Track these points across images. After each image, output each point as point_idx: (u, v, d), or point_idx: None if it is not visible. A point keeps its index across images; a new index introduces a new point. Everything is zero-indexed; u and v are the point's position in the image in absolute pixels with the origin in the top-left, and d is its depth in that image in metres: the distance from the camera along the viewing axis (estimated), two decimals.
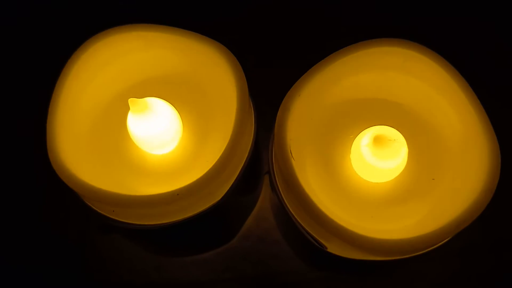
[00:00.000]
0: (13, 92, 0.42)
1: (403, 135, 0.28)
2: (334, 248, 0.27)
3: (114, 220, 0.29)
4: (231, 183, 0.29)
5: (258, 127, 0.31)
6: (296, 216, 0.28)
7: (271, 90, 0.38)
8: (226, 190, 0.29)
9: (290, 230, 0.36)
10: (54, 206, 0.39)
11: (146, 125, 0.29)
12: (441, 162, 0.29)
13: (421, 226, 0.27)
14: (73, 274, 0.37)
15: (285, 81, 0.35)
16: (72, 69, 0.29)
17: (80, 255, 0.38)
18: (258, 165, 0.36)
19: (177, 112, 0.30)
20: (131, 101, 0.28)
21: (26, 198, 0.39)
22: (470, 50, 0.42)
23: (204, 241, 0.37)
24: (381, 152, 0.26)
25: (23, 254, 0.38)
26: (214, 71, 0.30)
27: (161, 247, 0.38)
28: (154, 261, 0.37)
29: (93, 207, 0.29)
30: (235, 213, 0.37)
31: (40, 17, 0.44)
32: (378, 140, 0.26)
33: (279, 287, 0.37)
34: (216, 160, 0.28)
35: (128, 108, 0.28)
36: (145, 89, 0.32)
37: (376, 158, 0.27)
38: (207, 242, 0.37)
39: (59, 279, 0.37)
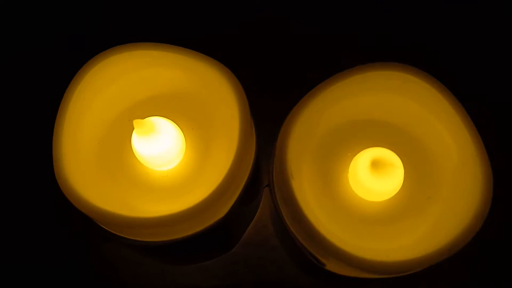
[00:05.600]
0: (19, 109, 0.42)
1: (399, 155, 0.29)
2: (332, 266, 0.29)
3: (122, 237, 0.30)
4: (235, 200, 0.30)
5: (259, 145, 0.32)
6: (295, 234, 0.29)
7: (269, 103, 0.39)
8: (230, 206, 0.30)
9: (286, 240, 0.37)
10: (58, 212, 0.40)
11: (151, 145, 0.29)
12: (436, 182, 0.30)
13: (417, 246, 0.28)
14: (77, 279, 0.39)
15: (282, 94, 0.36)
16: (77, 87, 0.30)
17: (84, 260, 0.39)
18: (258, 175, 0.37)
19: (180, 130, 0.31)
20: (136, 122, 0.28)
21: (31, 203, 0.40)
22: (467, 73, 0.43)
23: (206, 249, 0.38)
24: (378, 175, 0.28)
25: (26, 258, 0.39)
26: (216, 90, 0.31)
27: (164, 256, 0.39)
28: (157, 268, 0.38)
29: (101, 225, 0.30)
30: (236, 222, 0.38)
31: (45, 35, 0.45)
32: (375, 164, 0.27)
33: None
34: (218, 175, 0.29)
35: (132, 126, 0.29)
36: (149, 106, 0.33)
37: (373, 181, 0.28)
38: (209, 251, 0.38)
39: (63, 284, 0.38)
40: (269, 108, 0.39)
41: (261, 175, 0.37)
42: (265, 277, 0.38)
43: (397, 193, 0.30)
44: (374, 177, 0.28)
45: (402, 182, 0.29)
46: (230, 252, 0.39)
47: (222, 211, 0.30)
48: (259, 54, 0.44)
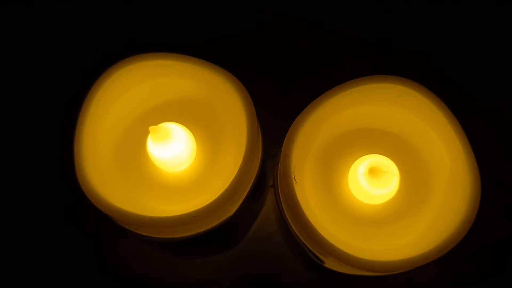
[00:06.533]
0: (41, 115, 0.44)
1: (396, 162, 0.31)
2: (331, 264, 0.31)
3: (136, 234, 0.32)
4: (242, 200, 0.33)
5: (265, 148, 0.34)
6: (297, 233, 0.32)
7: (275, 107, 0.41)
8: (238, 206, 0.33)
9: (291, 236, 0.39)
10: (71, 206, 0.42)
11: (164, 149, 0.32)
12: (429, 188, 0.32)
13: (410, 247, 0.30)
14: (88, 272, 0.40)
15: (287, 95, 0.38)
16: (95, 94, 0.32)
17: (95, 254, 0.41)
18: (264, 175, 0.39)
19: (191, 134, 0.33)
20: (152, 128, 0.31)
21: (45, 199, 0.42)
22: (462, 84, 0.44)
23: (213, 245, 0.41)
24: (374, 181, 0.30)
25: (38, 252, 0.41)
26: (225, 97, 0.33)
27: (173, 250, 0.41)
28: (166, 261, 0.40)
29: (116, 222, 0.32)
30: (242, 219, 0.41)
31: (65, 47, 0.46)
32: (372, 171, 0.30)
33: (281, 286, 0.41)
34: (227, 176, 0.32)
35: (147, 130, 0.31)
36: (162, 112, 0.35)
37: (370, 186, 0.30)
38: (216, 246, 0.41)
39: (74, 276, 0.40)
40: (275, 109, 0.41)
41: (266, 175, 0.40)
42: (269, 271, 0.41)
43: (393, 197, 0.32)
44: (371, 182, 0.30)
45: (397, 187, 0.31)
46: (236, 247, 0.41)
47: (231, 209, 0.32)
48: (262, 57, 0.46)
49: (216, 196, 0.30)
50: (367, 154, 0.31)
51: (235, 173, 0.30)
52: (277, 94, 0.43)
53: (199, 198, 0.33)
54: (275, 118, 0.37)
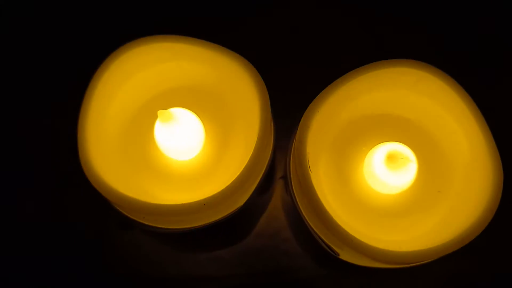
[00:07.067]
0: (46, 98, 0.43)
1: (412, 149, 0.30)
2: (346, 256, 0.30)
3: (142, 224, 0.31)
4: (253, 190, 0.31)
5: (276, 137, 0.33)
6: (311, 224, 0.30)
7: (284, 94, 0.40)
8: (248, 196, 0.31)
9: (301, 230, 0.38)
10: (73, 201, 0.40)
11: (173, 134, 0.30)
12: (447, 177, 0.31)
13: (427, 238, 0.29)
14: (91, 268, 0.39)
15: (298, 87, 0.37)
16: (102, 77, 0.31)
17: (99, 249, 0.40)
18: (273, 167, 0.38)
19: (200, 121, 0.32)
20: (160, 113, 0.29)
21: (46, 193, 0.41)
22: (481, 69, 0.43)
23: (219, 239, 0.39)
24: (392, 169, 0.29)
25: (40, 248, 0.40)
26: (236, 83, 0.32)
27: (179, 245, 0.40)
28: (172, 257, 0.39)
29: (121, 211, 0.31)
30: (250, 213, 0.39)
31: (69, 29, 0.45)
32: (390, 158, 0.28)
33: (288, 283, 0.39)
34: (236, 166, 0.31)
35: (154, 116, 0.30)
36: (170, 98, 0.34)
37: (388, 174, 0.29)
38: (222, 241, 0.39)
39: (77, 272, 0.39)
40: (282, 103, 0.40)
41: (275, 167, 0.39)
42: (276, 267, 0.39)
43: (409, 187, 0.31)
44: (389, 170, 0.29)
45: (415, 175, 0.30)
46: (242, 242, 0.40)
47: (241, 200, 0.31)
48: (273, 43, 0.44)
49: (224, 187, 0.28)
50: (383, 142, 0.30)
51: (243, 165, 0.29)
52: (286, 83, 0.42)
53: (206, 189, 0.31)
54: (282, 114, 0.36)
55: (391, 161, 0.28)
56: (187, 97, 0.34)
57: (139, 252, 0.39)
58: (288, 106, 0.36)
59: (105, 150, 0.31)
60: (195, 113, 0.32)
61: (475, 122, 0.29)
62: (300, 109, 0.32)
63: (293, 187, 0.31)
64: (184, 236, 0.36)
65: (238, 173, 0.29)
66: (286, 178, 0.34)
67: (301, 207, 0.31)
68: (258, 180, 0.31)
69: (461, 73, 0.31)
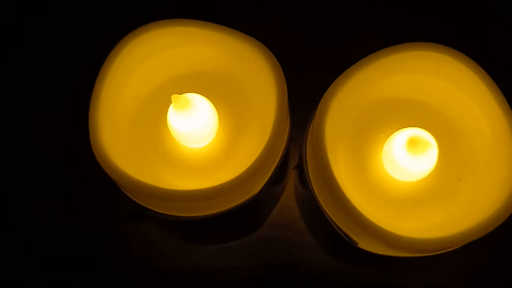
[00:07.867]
0: (58, 84, 0.42)
1: (432, 135, 0.29)
2: (365, 244, 0.29)
3: (154, 212, 0.30)
4: (267, 178, 0.31)
5: (292, 124, 0.32)
6: (328, 213, 0.29)
7: (301, 85, 0.39)
8: (263, 184, 0.30)
9: (315, 221, 0.37)
10: (83, 193, 0.40)
11: (187, 120, 0.30)
12: (468, 164, 0.30)
13: (447, 226, 0.28)
14: (103, 260, 0.39)
15: (314, 77, 0.36)
16: (113, 62, 0.30)
17: (110, 241, 0.39)
18: (287, 157, 0.37)
19: (214, 107, 0.31)
20: (174, 97, 0.29)
21: (53, 184, 0.40)
22: (503, 53, 0.42)
23: (231, 230, 0.39)
24: (414, 154, 0.28)
25: (51, 241, 0.39)
26: (252, 68, 0.31)
27: (190, 236, 0.39)
28: (183, 249, 0.38)
29: (132, 198, 0.30)
30: (262, 203, 0.39)
31: (81, 12, 0.45)
32: (412, 143, 0.27)
33: (301, 275, 0.38)
34: (250, 155, 0.30)
35: (166, 102, 0.29)
36: (183, 83, 0.33)
37: (409, 160, 0.28)
38: (234, 231, 0.39)
39: (89, 265, 0.39)
40: (292, 97, 0.39)
41: (288, 157, 0.38)
42: (288, 259, 0.38)
43: (429, 174, 0.30)
44: (410, 156, 0.28)
45: (436, 161, 0.29)
46: (254, 234, 0.39)
47: (255, 188, 0.30)
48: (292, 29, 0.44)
49: (237, 175, 0.28)
50: (402, 128, 0.29)
51: (257, 153, 0.28)
52: (298, 72, 0.41)
53: (218, 177, 0.30)
54: (294, 101, 0.35)
55: (413, 146, 0.28)
56: (200, 83, 0.33)
57: (151, 244, 0.39)
58: (299, 99, 0.35)
59: (117, 136, 0.30)
60: (209, 98, 0.31)
61: (498, 108, 0.28)
62: (311, 102, 0.31)
63: (310, 175, 0.30)
64: (196, 226, 0.36)
65: (251, 162, 0.28)
66: (301, 167, 0.33)
67: (318, 195, 0.30)
68: (273, 168, 0.31)
69: (484, 57, 0.30)
